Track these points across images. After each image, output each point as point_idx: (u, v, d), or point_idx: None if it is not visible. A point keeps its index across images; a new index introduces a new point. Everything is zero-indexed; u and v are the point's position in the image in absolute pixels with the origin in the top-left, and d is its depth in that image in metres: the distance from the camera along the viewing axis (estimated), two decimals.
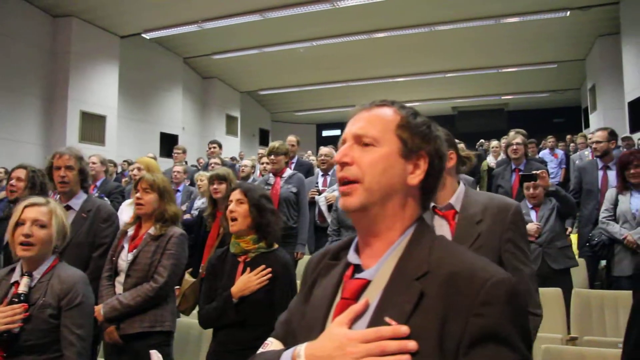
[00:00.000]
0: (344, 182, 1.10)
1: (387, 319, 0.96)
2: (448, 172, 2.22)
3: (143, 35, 12.73)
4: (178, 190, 6.70)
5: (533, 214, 4.65)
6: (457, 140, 2.28)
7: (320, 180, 6.13)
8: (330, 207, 5.42)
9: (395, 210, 1.11)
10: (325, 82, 17.35)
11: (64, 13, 11.29)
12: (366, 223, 1.12)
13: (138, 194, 3.12)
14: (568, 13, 11.72)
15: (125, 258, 3.10)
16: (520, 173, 4.89)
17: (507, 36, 13.32)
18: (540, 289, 4.01)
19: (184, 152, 8.19)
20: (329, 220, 5.26)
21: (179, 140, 14.96)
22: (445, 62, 15.49)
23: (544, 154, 10.50)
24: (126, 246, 3.13)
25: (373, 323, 0.99)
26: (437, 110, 20.79)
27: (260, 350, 1.15)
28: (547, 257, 4.34)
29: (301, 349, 1.01)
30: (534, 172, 4.43)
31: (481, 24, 12.37)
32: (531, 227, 4.45)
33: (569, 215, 4.67)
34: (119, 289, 3.07)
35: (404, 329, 0.94)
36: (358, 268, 1.12)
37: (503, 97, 19.41)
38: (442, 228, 2.18)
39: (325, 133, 23.47)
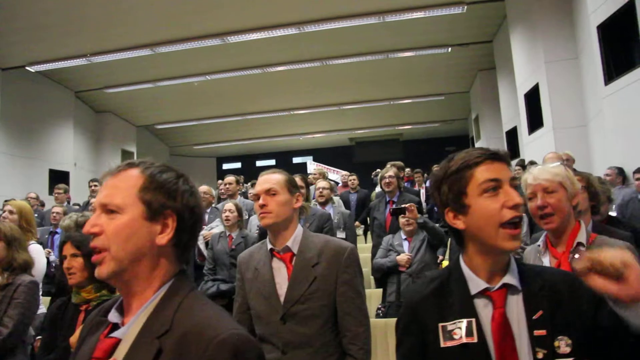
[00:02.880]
0: (96, 251, 1.12)
1: None
2: (295, 212, 2.33)
3: (28, 67, 12.18)
4: (57, 232, 6.42)
5: (406, 245, 4.86)
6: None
7: None
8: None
9: (147, 272, 1.13)
10: (222, 116, 17.36)
11: None
12: (121, 286, 1.14)
13: None
14: (449, 49, 12.50)
15: None
16: (392, 207, 5.11)
17: (398, 70, 13.98)
18: None
19: (66, 191, 7.86)
20: None
21: (70, 176, 14.33)
22: (340, 95, 15.96)
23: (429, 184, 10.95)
24: None
25: None
26: (335, 141, 21.32)
27: None
28: None
29: None
30: (403, 205, 4.67)
31: (373, 58, 12.90)
32: (402, 258, 4.67)
33: (439, 246, 4.89)
34: None
35: None
36: (116, 326, 1.14)
37: (398, 128, 20.22)
38: (281, 271, 2.25)
39: (225, 166, 23.38)
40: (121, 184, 1.15)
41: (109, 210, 1.13)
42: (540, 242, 2.30)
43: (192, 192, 1.20)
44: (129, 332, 1.09)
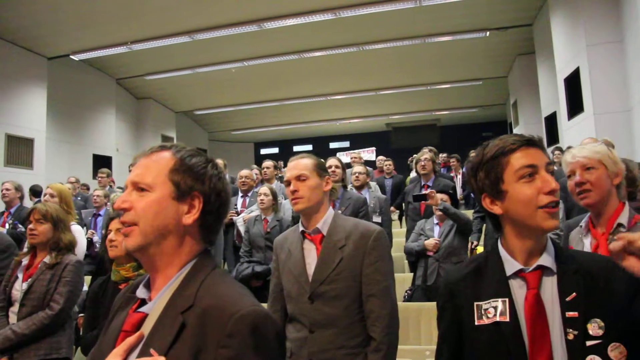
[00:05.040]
0: (126, 225, 1.19)
1: (151, 350, 1.06)
2: (325, 195, 2.39)
3: (72, 56, 12.51)
4: (99, 215, 6.66)
5: (436, 230, 4.89)
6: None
7: (240, 201, 6.23)
8: None
9: (172, 249, 1.19)
10: (260, 101, 17.44)
11: None
12: (146, 261, 1.21)
13: (31, 225, 3.16)
14: (487, 33, 12.25)
15: (19, 288, 3.12)
16: (413, 194, 5.14)
17: (435, 55, 13.78)
18: (434, 303, 4.26)
19: (108, 175, 8.13)
20: None
21: (112, 161, 14.76)
22: (377, 80, 15.84)
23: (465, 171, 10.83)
24: (20, 276, 3.16)
25: (142, 354, 1.08)
26: (372, 126, 21.23)
27: None
28: (442, 272, 4.57)
29: None
30: (424, 192, 4.70)
31: (409, 43, 12.73)
32: (429, 242, 4.71)
33: (467, 231, 4.89)
34: (12, 319, 3.09)
35: None
36: (144, 301, 1.21)
37: (435, 113, 19.97)
38: (311, 252, 2.32)
39: (263, 151, 23.56)
40: (153, 164, 1.22)
41: (139, 188, 1.20)
42: (582, 222, 2.28)
43: (219, 177, 1.27)
44: (154, 307, 1.16)
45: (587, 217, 2.26)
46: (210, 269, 1.21)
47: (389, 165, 9.12)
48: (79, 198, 8.35)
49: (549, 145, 10.93)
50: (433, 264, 4.66)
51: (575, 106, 8.80)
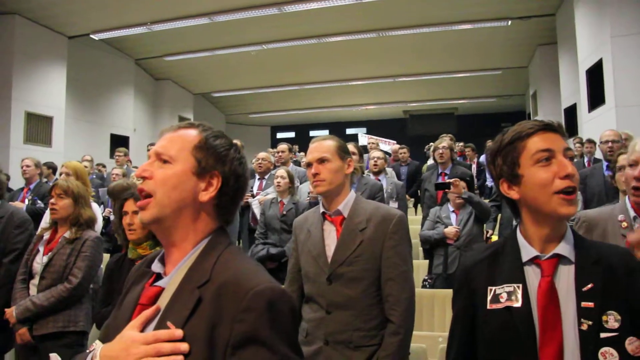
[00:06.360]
0: (143, 195, 1.20)
1: (168, 323, 1.08)
2: (347, 177, 2.39)
3: (92, 36, 12.58)
4: None
5: (453, 217, 4.87)
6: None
7: (256, 184, 6.25)
8: None
9: (187, 223, 1.20)
10: (278, 85, 17.43)
11: (6, 10, 10.94)
12: (162, 233, 1.22)
13: (52, 200, 3.21)
14: (509, 22, 12.10)
15: (40, 261, 3.19)
16: (435, 182, 5.11)
17: (454, 43, 13.63)
18: (447, 290, 4.28)
19: (126, 154, 8.20)
20: None
21: (130, 141, 14.86)
22: (395, 67, 15.74)
23: (485, 157, 10.75)
24: (41, 249, 3.23)
25: (158, 327, 1.10)
26: (389, 113, 21.11)
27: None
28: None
29: (99, 349, 1.11)
30: (447, 180, 4.66)
31: (428, 30, 12.63)
32: (449, 230, 4.68)
33: (485, 220, 4.86)
34: (33, 291, 3.16)
35: (178, 333, 1.05)
36: (159, 276, 1.22)
37: (453, 102, 19.83)
38: (331, 233, 2.32)
39: (279, 135, 23.54)
40: (178, 138, 1.24)
41: (162, 159, 1.21)
42: (630, 210, 2.14)
43: (241, 161, 1.28)
44: (171, 281, 1.17)
45: (630, 207, 2.15)
46: (226, 245, 1.22)
47: (404, 153, 9.11)
48: (94, 176, 8.44)
49: (569, 136, 10.82)
50: (454, 253, 4.62)
51: (596, 98, 8.68)
